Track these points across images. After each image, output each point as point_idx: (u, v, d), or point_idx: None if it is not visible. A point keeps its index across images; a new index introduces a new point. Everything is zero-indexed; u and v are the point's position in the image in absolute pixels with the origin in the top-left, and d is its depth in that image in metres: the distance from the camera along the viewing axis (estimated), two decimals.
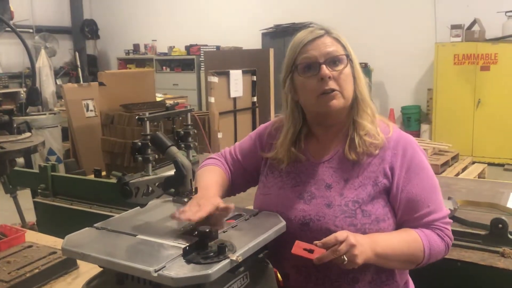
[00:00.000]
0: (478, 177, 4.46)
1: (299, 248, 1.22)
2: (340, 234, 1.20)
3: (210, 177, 1.45)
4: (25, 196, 2.96)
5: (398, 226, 1.37)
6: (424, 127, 7.37)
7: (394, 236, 1.31)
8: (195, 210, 1.19)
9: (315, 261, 1.19)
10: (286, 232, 1.30)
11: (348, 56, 1.36)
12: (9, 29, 1.45)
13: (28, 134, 1.49)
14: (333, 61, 1.34)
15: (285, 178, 1.44)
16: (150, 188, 1.26)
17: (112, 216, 1.39)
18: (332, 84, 1.32)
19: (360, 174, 1.35)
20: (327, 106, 1.34)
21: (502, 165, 6.52)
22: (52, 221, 2.52)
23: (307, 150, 1.44)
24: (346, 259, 1.17)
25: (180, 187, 1.22)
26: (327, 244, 1.19)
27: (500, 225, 1.63)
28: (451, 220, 1.38)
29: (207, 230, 1.09)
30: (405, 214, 1.35)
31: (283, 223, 1.29)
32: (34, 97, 1.51)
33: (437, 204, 1.35)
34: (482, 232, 1.69)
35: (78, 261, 1.57)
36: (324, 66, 1.32)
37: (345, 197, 1.32)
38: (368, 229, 1.29)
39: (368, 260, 1.22)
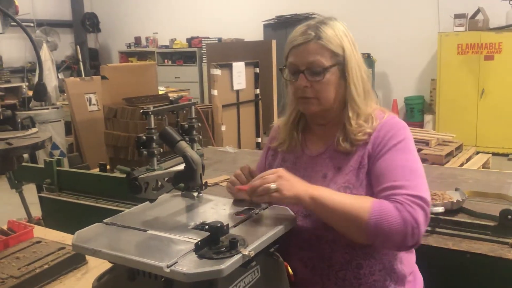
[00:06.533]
0: (483, 168, 4.43)
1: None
2: (275, 169, 1.28)
3: None
4: (29, 191, 2.96)
5: None
6: (428, 117, 7.35)
7: (341, 193, 1.29)
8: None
9: (248, 193, 1.26)
10: None
11: (332, 65, 1.35)
12: (13, 23, 1.44)
13: (35, 129, 1.48)
14: (313, 71, 1.35)
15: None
16: (160, 183, 1.25)
17: (119, 210, 1.39)
18: (308, 92, 1.37)
19: (351, 159, 1.37)
20: (304, 109, 1.43)
21: (506, 155, 6.50)
22: (58, 216, 2.52)
23: (304, 144, 1.48)
24: (274, 187, 1.21)
25: (190, 182, 1.22)
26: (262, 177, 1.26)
27: (510, 216, 1.62)
28: (426, 207, 1.23)
29: (218, 225, 1.09)
30: (373, 188, 1.31)
31: (294, 216, 1.29)
32: (42, 93, 1.50)
33: (409, 184, 1.25)
34: (491, 223, 1.68)
35: (87, 256, 1.57)
36: (302, 76, 1.36)
37: (337, 184, 1.34)
38: None
39: (300, 198, 1.23)
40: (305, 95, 1.37)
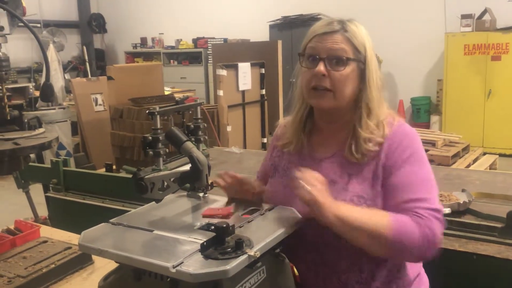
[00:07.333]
0: (490, 169, 4.41)
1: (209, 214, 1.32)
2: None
3: None
4: (36, 191, 2.97)
5: None
6: (434, 118, 7.32)
7: (359, 208, 1.27)
8: None
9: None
10: None
11: (354, 60, 1.32)
12: (20, 24, 1.44)
13: (41, 129, 1.49)
14: (335, 60, 1.31)
15: (289, 176, 1.42)
16: (166, 183, 1.26)
17: (125, 210, 1.39)
18: (325, 82, 1.31)
19: (364, 168, 1.33)
20: (315, 102, 1.36)
21: None
22: (65, 216, 2.54)
23: (310, 145, 1.44)
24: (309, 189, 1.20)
25: (196, 182, 1.22)
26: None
27: None
28: (442, 219, 1.25)
29: (224, 225, 1.09)
30: (389, 200, 1.29)
31: (299, 217, 1.28)
32: (49, 93, 1.50)
33: (425, 196, 1.26)
34: (498, 225, 1.67)
35: (93, 256, 1.58)
36: (322, 63, 1.31)
37: (350, 192, 1.31)
38: None
39: (325, 214, 1.19)
40: (321, 84, 1.31)
